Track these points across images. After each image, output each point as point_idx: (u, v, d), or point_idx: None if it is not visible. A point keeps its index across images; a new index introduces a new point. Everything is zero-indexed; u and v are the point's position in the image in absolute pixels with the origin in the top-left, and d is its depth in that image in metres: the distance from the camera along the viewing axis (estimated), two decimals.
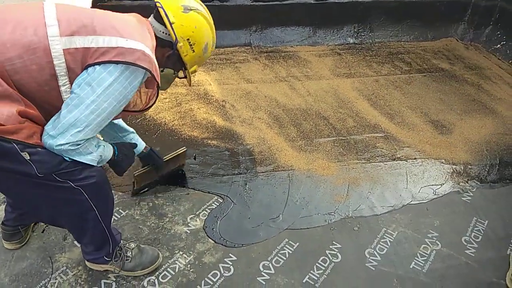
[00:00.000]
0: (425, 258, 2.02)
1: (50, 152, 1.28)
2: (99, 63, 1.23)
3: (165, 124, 2.85)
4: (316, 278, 1.88)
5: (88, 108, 1.24)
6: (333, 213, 2.25)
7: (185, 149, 2.35)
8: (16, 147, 1.20)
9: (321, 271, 1.92)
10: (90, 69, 1.24)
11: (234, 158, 2.60)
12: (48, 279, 1.77)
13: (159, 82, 1.39)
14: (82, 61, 1.24)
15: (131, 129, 1.97)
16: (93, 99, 1.24)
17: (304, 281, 1.86)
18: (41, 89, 1.25)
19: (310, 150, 2.72)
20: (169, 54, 1.49)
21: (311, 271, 1.91)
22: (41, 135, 1.28)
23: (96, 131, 1.32)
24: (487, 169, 2.66)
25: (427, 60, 4.03)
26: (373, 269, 1.95)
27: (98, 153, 1.39)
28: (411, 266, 1.98)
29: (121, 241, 1.80)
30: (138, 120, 2.86)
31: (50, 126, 1.27)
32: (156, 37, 1.45)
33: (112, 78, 1.24)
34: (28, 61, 1.20)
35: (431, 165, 2.66)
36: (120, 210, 2.13)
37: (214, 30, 1.59)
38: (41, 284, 1.75)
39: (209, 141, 2.72)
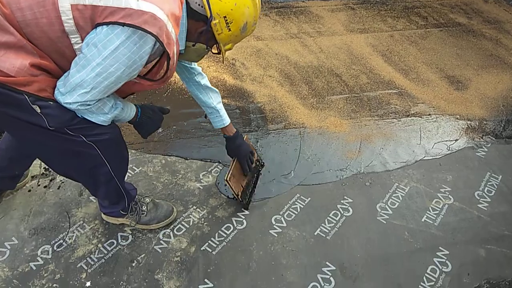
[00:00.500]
0: (437, 212, 2.03)
1: (61, 107, 1.26)
2: (107, 23, 1.15)
3: (175, 83, 2.83)
4: (327, 231, 1.91)
5: (94, 71, 1.19)
6: (344, 169, 2.24)
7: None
8: (27, 99, 1.20)
9: (332, 224, 1.94)
10: (98, 28, 1.17)
11: (245, 116, 2.58)
12: (66, 233, 1.83)
13: (172, 53, 1.26)
14: (91, 19, 1.17)
15: (213, 105, 1.85)
16: (99, 61, 1.18)
17: (315, 233, 1.89)
18: (54, 45, 1.21)
19: (322, 108, 2.68)
20: (202, 30, 1.37)
21: (323, 224, 1.93)
22: (54, 89, 1.26)
23: (106, 93, 1.26)
24: (502, 125, 2.61)
25: (444, 14, 3.88)
26: (384, 222, 1.96)
27: (112, 115, 1.35)
28: (422, 220, 1.98)
29: (137, 196, 1.83)
30: None
31: (61, 82, 1.25)
32: (191, 9, 1.34)
33: (119, 41, 1.16)
34: (38, 13, 1.15)
35: (445, 121, 2.61)
36: (134, 167, 2.15)
37: (259, 7, 1.44)
38: (59, 237, 1.81)
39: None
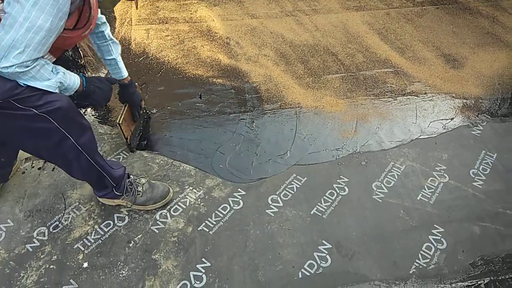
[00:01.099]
0: (432, 190, 2.04)
1: (1, 77, 1.22)
2: None
3: (169, 62, 2.78)
4: (323, 210, 1.91)
5: (23, 27, 1.15)
6: (340, 149, 2.24)
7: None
8: None
9: (329, 203, 1.94)
10: None
11: (240, 96, 2.55)
12: (62, 214, 1.82)
13: None
14: None
15: (113, 56, 1.88)
16: (25, 16, 1.14)
17: (311, 212, 1.90)
18: None
19: (318, 87, 2.66)
20: None
21: (319, 204, 1.94)
22: None
23: (41, 50, 1.22)
24: (498, 103, 2.60)
25: None
26: (380, 201, 1.97)
27: (57, 79, 1.32)
28: (418, 198, 2.00)
29: (131, 176, 1.82)
30: (140, 59, 2.79)
31: None
32: None
33: None
34: None
35: (441, 99, 2.60)
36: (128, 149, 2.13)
37: None
38: (55, 219, 1.80)
39: (214, 80, 2.66)
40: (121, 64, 1.93)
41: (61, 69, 1.35)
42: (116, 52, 1.88)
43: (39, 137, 1.41)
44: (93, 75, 2.44)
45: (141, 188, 1.82)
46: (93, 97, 1.55)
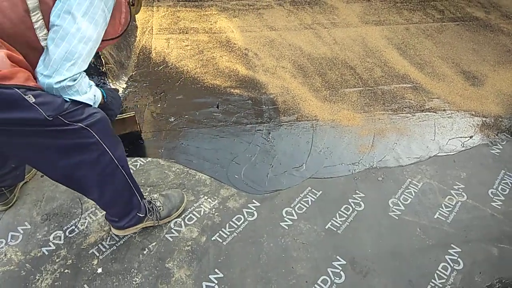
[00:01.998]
0: (450, 209, 2.00)
1: (50, 93, 1.21)
2: None
3: (188, 72, 2.82)
4: (338, 225, 1.90)
5: (75, 37, 1.16)
6: (357, 163, 2.22)
7: (133, 114, 2.15)
8: (18, 91, 1.13)
9: (344, 219, 1.93)
10: None
11: (257, 107, 2.57)
12: (78, 219, 1.84)
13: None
14: None
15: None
16: (77, 27, 1.15)
17: (326, 227, 1.88)
18: (17, 29, 1.16)
19: (335, 101, 2.65)
20: None
21: (334, 218, 1.92)
22: (35, 79, 1.20)
23: (87, 61, 1.24)
24: None
25: (460, 8, 3.80)
26: (396, 218, 1.95)
27: (92, 92, 1.33)
28: (435, 216, 1.96)
29: (144, 195, 1.77)
30: (160, 68, 2.83)
31: (42, 66, 1.19)
32: None
33: (88, 1, 1.15)
34: None
35: (460, 117, 2.57)
36: (146, 156, 2.15)
37: None
38: (71, 223, 1.82)
39: (232, 90, 2.68)
40: None
41: (91, 82, 1.37)
42: None
43: (78, 154, 1.39)
44: (111, 83, 2.44)
45: (159, 202, 1.81)
46: (112, 107, 1.55)
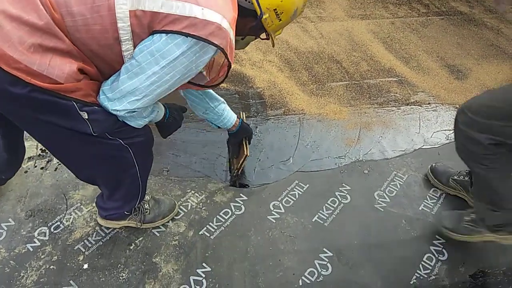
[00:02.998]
0: (435, 200, 2.03)
1: (105, 111, 1.21)
2: (166, 32, 1.08)
3: None
4: (325, 218, 1.91)
5: (149, 79, 1.14)
6: (343, 157, 2.24)
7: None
8: (76, 105, 1.14)
9: (330, 211, 1.94)
10: (156, 36, 1.10)
11: (244, 101, 2.56)
12: (63, 215, 1.82)
13: (231, 62, 1.23)
14: (148, 26, 1.10)
15: (222, 99, 1.83)
16: (155, 70, 1.13)
17: (313, 220, 1.89)
18: (102, 52, 1.15)
19: (322, 94, 2.66)
20: (252, 25, 1.33)
21: (320, 211, 1.94)
22: (97, 93, 1.21)
23: (155, 100, 1.23)
24: None
25: (445, 3, 3.84)
26: (382, 210, 1.97)
27: (149, 119, 1.34)
28: (420, 208, 1.99)
29: None
30: None
31: (108, 87, 1.19)
32: (239, 6, 1.27)
33: (179, 51, 1.10)
34: (91, 19, 1.07)
35: (445, 110, 2.61)
36: None
37: None
38: (56, 219, 1.80)
39: None
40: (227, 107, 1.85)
41: (156, 107, 1.37)
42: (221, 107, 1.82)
43: (108, 162, 1.41)
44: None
45: (147, 205, 1.77)
46: (169, 128, 1.56)
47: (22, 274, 1.60)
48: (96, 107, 1.19)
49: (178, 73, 1.16)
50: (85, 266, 1.65)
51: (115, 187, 1.58)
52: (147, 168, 1.57)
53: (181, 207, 1.89)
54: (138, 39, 1.13)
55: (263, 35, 1.45)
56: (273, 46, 1.48)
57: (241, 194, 1.98)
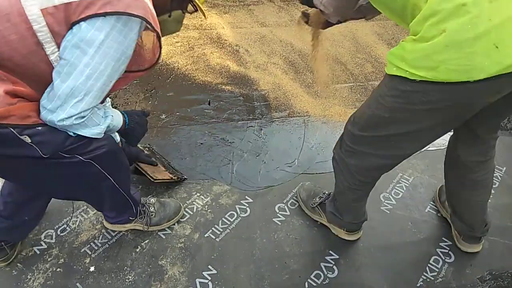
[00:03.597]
0: None
1: (52, 129, 1.13)
2: (84, 19, 1.01)
3: (178, 69, 2.80)
4: None
5: (83, 74, 1.06)
6: None
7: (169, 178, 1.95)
8: (13, 131, 1.07)
9: None
10: (75, 28, 1.03)
11: (249, 103, 2.56)
12: (70, 218, 1.82)
13: (160, 31, 1.16)
14: (66, 21, 1.03)
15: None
16: (86, 62, 1.05)
17: (318, 222, 1.89)
18: (28, 62, 1.07)
19: (327, 96, 2.66)
20: None
21: None
22: (38, 112, 1.13)
23: (100, 97, 1.14)
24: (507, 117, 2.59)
25: None
26: (388, 212, 1.96)
27: (105, 125, 1.23)
28: (426, 210, 1.98)
29: (141, 198, 1.76)
30: None
31: (46, 100, 1.10)
32: None
33: (103, 34, 1.03)
34: (5, 31, 1.00)
35: None
36: None
37: None
38: (62, 222, 1.80)
39: (223, 87, 2.67)
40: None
41: (109, 111, 1.26)
42: None
43: (77, 181, 1.35)
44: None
45: (152, 208, 1.76)
46: (133, 134, 1.46)
47: (29, 277, 1.60)
48: (39, 128, 1.12)
49: (112, 59, 1.08)
50: (92, 268, 1.65)
51: (98, 202, 1.55)
52: (124, 177, 1.49)
53: (186, 209, 1.90)
54: (59, 37, 1.05)
55: (190, 8, 1.36)
56: (205, 17, 1.42)
57: (246, 197, 1.98)
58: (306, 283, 1.66)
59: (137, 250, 1.72)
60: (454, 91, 1.05)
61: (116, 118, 1.33)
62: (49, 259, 1.67)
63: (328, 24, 1.73)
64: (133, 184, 1.77)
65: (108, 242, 1.74)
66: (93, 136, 1.21)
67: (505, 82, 1.04)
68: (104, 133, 1.26)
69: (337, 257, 1.76)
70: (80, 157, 1.23)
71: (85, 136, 1.20)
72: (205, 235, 1.80)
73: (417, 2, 1.08)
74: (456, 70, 1.00)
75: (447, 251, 1.82)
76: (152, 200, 1.79)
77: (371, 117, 1.30)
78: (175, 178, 1.96)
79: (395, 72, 1.13)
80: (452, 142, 1.61)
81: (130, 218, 1.72)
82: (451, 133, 1.62)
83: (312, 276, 1.69)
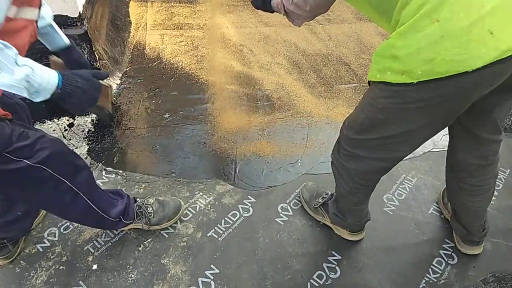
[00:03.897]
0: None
1: None
2: None
3: (182, 68, 2.80)
4: None
5: None
6: None
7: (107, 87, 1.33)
8: None
9: None
10: None
11: (252, 103, 2.56)
12: None
13: None
14: None
15: (46, 20, 1.36)
16: None
17: (321, 222, 1.88)
18: None
19: (330, 97, 2.66)
20: None
21: None
22: None
23: None
24: (511, 119, 2.58)
25: None
26: (391, 213, 1.96)
27: (22, 75, 0.93)
28: (429, 212, 1.98)
29: (138, 199, 1.75)
30: (154, 64, 2.81)
31: None
32: None
33: None
34: None
35: None
36: (140, 152, 2.14)
37: None
38: (66, 220, 1.81)
39: (227, 86, 2.68)
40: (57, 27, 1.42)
41: (29, 62, 0.97)
42: (47, 15, 1.36)
43: (32, 187, 1.29)
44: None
45: (151, 208, 1.75)
46: (71, 102, 1.08)
47: (32, 274, 1.61)
48: None
49: None
50: (94, 266, 1.65)
51: (59, 211, 1.49)
52: (81, 179, 1.39)
53: (189, 208, 1.90)
54: None
55: None
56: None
57: (249, 196, 1.98)
58: (309, 284, 1.66)
59: (140, 248, 1.73)
60: (447, 86, 1.04)
61: (42, 75, 0.98)
62: (52, 257, 1.67)
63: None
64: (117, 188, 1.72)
65: (111, 241, 1.74)
66: (6, 89, 0.94)
67: (498, 70, 1.03)
68: (29, 94, 0.98)
69: (340, 257, 1.76)
70: (28, 162, 1.19)
71: (26, 136, 1.16)
72: (208, 235, 1.80)
73: None
74: (454, 60, 0.99)
75: (450, 252, 1.81)
76: (151, 200, 1.78)
77: (365, 119, 1.30)
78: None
79: (389, 79, 1.11)
80: (452, 145, 1.59)
81: (126, 222, 1.66)
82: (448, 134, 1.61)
83: (314, 277, 1.69)
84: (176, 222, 1.82)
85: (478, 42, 0.97)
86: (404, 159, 2.23)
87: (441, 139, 2.38)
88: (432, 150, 2.31)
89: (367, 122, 1.29)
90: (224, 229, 1.83)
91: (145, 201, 1.77)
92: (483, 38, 0.96)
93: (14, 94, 0.98)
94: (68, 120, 2.26)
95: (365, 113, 1.28)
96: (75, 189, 1.37)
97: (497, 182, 2.10)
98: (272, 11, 1.51)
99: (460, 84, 1.04)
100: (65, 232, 1.76)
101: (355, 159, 1.43)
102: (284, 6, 1.37)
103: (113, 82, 2.57)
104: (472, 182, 1.58)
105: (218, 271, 1.67)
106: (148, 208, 1.75)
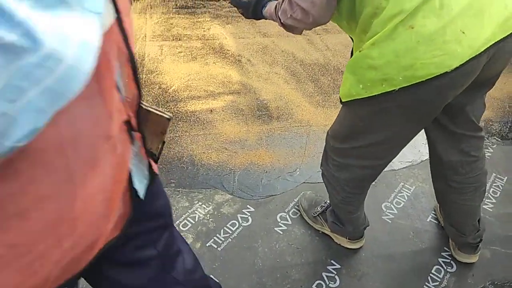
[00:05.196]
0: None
1: None
2: None
3: (181, 78, 2.83)
4: None
5: None
6: None
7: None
8: None
9: None
10: None
11: (250, 113, 2.58)
12: None
13: None
14: None
15: None
16: None
17: (320, 232, 1.89)
18: None
19: (328, 106, 2.68)
20: None
21: None
22: None
23: None
24: (508, 126, 2.60)
25: None
26: (390, 221, 1.97)
27: None
28: (428, 220, 1.99)
29: None
30: (153, 75, 2.84)
31: None
32: None
33: None
34: None
35: None
36: None
37: None
38: None
39: (225, 96, 2.70)
40: None
41: None
42: None
43: None
44: None
45: None
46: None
47: None
48: None
49: None
50: None
51: None
52: None
53: (188, 218, 1.90)
54: None
55: None
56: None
57: (248, 206, 1.99)
58: None
59: None
60: (426, 89, 1.07)
61: None
62: None
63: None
64: None
65: None
66: None
67: (471, 68, 1.06)
68: None
69: (339, 266, 1.76)
70: None
71: None
72: (207, 244, 1.81)
73: (379, 3, 1.06)
74: (433, 63, 1.02)
75: (449, 260, 1.81)
76: None
77: (347, 128, 1.32)
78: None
79: (370, 92, 1.12)
80: (431, 145, 1.57)
81: None
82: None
83: (313, 286, 1.69)
84: None
85: (453, 42, 1.01)
86: (402, 167, 2.26)
87: None
88: None
89: (349, 130, 1.32)
90: (223, 239, 1.83)
91: None
92: (457, 38, 1.01)
93: None
94: None
95: (346, 121, 1.32)
96: None
97: (495, 190, 2.12)
98: (266, 19, 1.53)
99: (438, 86, 1.07)
100: None
101: (346, 168, 1.45)
102: (280, 20, 1.37)
103: None
104: (460, 180, 1.56)
105: (217, 281, 1.67)
106: None
